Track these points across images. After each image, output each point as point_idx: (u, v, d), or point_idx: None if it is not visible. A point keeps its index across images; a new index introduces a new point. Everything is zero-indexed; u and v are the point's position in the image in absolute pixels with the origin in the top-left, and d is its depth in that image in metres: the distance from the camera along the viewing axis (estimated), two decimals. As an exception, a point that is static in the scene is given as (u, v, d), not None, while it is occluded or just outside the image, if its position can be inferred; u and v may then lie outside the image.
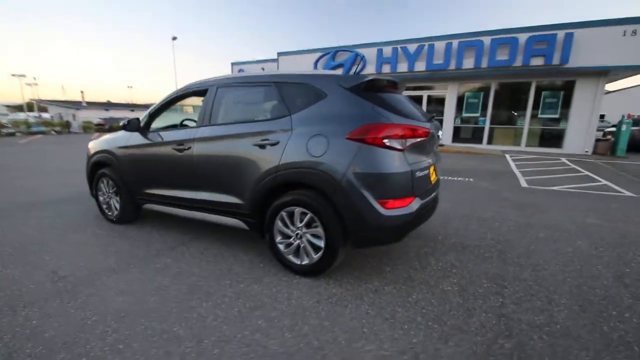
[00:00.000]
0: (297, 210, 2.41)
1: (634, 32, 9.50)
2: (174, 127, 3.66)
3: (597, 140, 11.54)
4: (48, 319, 1.99)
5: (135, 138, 3.37)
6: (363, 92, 2.32)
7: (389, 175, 2.16)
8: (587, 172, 7.72)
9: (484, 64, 11.56)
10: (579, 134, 11.43)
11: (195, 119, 3.87)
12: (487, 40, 11.34)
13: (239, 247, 3.08)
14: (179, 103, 3.43)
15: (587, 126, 11.28)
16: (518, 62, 11.02)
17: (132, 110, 35.09)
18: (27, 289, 2.33)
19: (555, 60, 10.48)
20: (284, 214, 2.49)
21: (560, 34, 10.29)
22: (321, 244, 2.37)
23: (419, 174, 2.32)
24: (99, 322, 1.96)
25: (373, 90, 2.36)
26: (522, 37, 10.82)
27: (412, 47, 12.57)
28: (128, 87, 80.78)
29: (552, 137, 12.01)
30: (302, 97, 2.47)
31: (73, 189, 5.49)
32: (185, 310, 2.09)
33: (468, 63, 11.82)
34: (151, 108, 3.37)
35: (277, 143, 2.43)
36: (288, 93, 2.53)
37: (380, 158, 2.15)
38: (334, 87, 2.37)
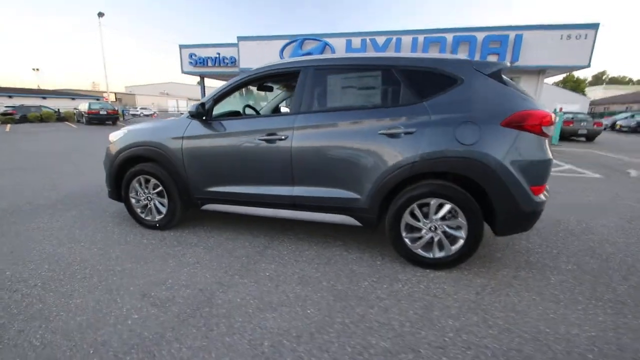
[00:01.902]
0: (434, 201, 2.30)
1: (569, 37, 11.14)
2: (234, 114, 3.20)
3: (535, 130, 13.34)
4: (208, 353, 1.59)
5: (196, 127, 2.83)
6: (501, 78, 2.29)
7: (544, 162, 2.19)
8: (545, 158, 8.89)
9: (446, 59, 12.39)
10: (522, 124, 13.09)
11: (250, 104, 3.46)
12: (449, 37, 12.17)
13: (332, 245, 2.84)
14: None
15: (529, 118, 12.98)
16: (476, 59, 12.05)
17: (44, 98, 29.55)
18: (132, 321, 1.82)
19: (507, 58, 11.74)
20: (415, 206, 2.35)
21: (512, 34, 11.55)
22: (460, 234, 2.31)
23: None
24: (277, 346, 1.63)
25: (503, 76, 2.35)
26: (480, 36, 11.86)
27: (380, 40, 12.87)
28: (34, 69, 67.55)
29: (500, 128, 13.53)
30: (433, 83, 2.34)
31: (51, 193, 4.44)
32: (359, 319, 1.85)
33: (432, 58, 12.54)
34: (215, 92, 2.85)
35: (413, 132, 2.27)
36: (415, 78, 2.37)
37: (538, 144, 2.16)
38: (470, 73, 2.30)
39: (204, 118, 2.79)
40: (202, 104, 2.76)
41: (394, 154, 2.31)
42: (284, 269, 2.42)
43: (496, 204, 2.20)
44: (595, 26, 10.90)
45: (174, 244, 2.85)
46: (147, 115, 39.09)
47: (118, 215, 3.53)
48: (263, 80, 2.90)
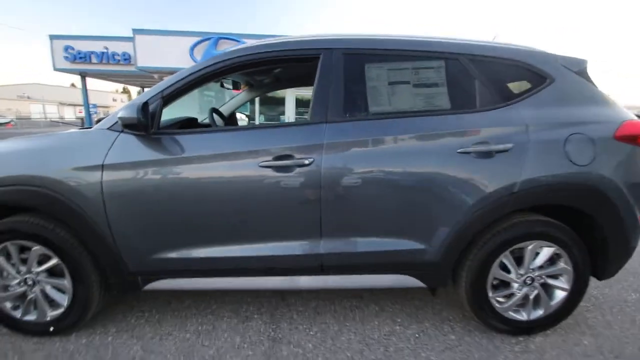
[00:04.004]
0: (532, 245, 1.65)
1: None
2: (189, 123, 1.99)
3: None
4: None
5: (131, 147, 1.56)
6: (590, 78, 1.79)
7: (654, 185, 1.74)
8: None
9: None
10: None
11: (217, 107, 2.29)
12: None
13: (371, 315, 1.93)
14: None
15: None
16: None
17: None
18: None
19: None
20: (507, 252, 1.66)
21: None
22: (562, 284, 1.71)
23: None
24: None
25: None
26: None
27: (304, 45, 12.34)
28: None
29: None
30: (518, 80, 1.71)
31: None
32: None
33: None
34: (164, 84, 1.63)
35: (509, 148, 1.56)
36: (494, 72, 1.68)
37: (645, 162, 1.70)
38: (559, 69, 1.72)
39: (147, 130, 1.54)
40: (144, 105, 1.50)
41: (483, 182, 1.57)
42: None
43: (611, 240, 1.67)
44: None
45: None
46: (-1, 124, 30.11)
47: (-45, 314, 1.86)
48: (250, 67, 1.82)
